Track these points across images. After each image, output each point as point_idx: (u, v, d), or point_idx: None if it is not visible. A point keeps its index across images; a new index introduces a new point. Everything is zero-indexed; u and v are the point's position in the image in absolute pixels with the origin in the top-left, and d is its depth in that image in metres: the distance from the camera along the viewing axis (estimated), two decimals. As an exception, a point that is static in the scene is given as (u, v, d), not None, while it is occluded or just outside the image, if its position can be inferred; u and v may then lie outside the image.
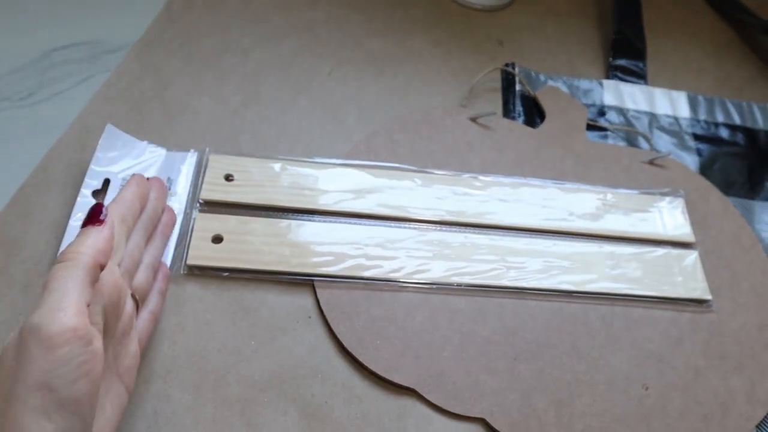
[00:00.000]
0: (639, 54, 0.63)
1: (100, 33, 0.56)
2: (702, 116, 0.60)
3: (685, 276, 0.48)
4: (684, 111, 0.60)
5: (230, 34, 0.57)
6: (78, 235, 0.32)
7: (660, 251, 0.49)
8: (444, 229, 0.48)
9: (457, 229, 0.48)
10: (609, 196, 0.51)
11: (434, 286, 0.45)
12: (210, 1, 0.60)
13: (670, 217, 0.51)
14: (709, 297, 0.47)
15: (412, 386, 0.41)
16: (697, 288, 0.48)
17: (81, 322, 0.28)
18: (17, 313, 0.40)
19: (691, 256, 0.49)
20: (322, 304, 0.43)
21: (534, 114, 0.57)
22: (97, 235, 0.32)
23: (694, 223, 0.52)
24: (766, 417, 0.44)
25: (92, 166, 0.45)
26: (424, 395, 0.41)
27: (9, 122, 0.49)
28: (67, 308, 0.28)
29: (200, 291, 0.43)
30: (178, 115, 0.51)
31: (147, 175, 0.46)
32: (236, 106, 0.52)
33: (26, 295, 0.41)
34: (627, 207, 0.51)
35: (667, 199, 0.52)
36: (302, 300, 0.43)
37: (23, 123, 0.49)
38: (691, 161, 0.57)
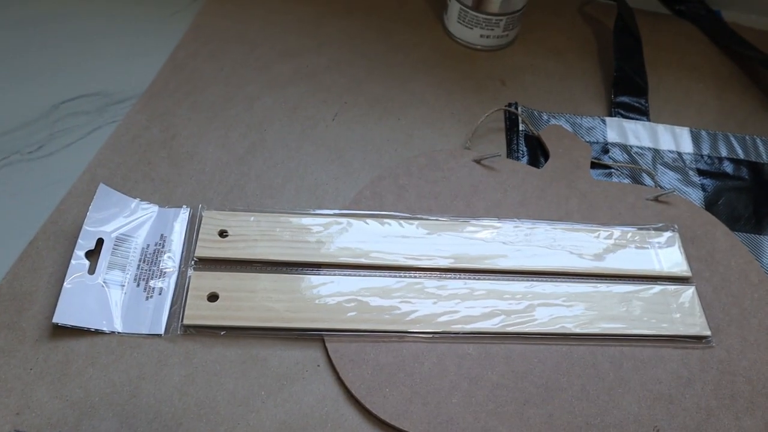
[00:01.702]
0: (640, 90, 0.63)
1: (108, 84, 0.57)
2: (705, 151, 0.60)
3: (683, 312, 0.48)
4: (687, 146, 0.60)
5: (235, 82, 0.58)
6: None
7: (657, 288, 0.49)
8: (447, 276, 0.48)
9: (459, 275, 0.48)
10: (603, 234, 0.52)
11: (440, 335, 0.45)
12: (214, 50, 0.61)
13: (665, 252, 0.51)
14: (708, 333, 0.47)
15: (421, 434, 0.41)
16: (696, 324, 0.47)
17: None
18: (29, 368, 0.40)
19: (688, 292, 0.49)
20: (330, 353, 0.43)
21: (538, 153, 0.57)
22: None
23: (701, 259, 0.52)
24: (780, 458, 0.43)
25: (85, 227, 0.45)
26: (434, 443, 0.41)
27: (20, 175, 0.50)
28: None
29: (209, 341, 0.43)
30: (185, 164, 0.52)
31: (140, 232, 0.47)
32: (242, 153, 0.53)
33: (37, 350, 0.41)
34: (622, 244, 0.51)
35: (662, 234, 0.52)
36: (311, 349, 0.44)
37: (34, 176, 0.50)
38: (697, 197, 0.57)
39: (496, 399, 0.43)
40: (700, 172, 0.58)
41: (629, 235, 0.52)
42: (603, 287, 0.49)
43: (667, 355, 0.47)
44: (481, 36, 0.65)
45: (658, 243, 0.52)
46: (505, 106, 0.60)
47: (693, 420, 0.44)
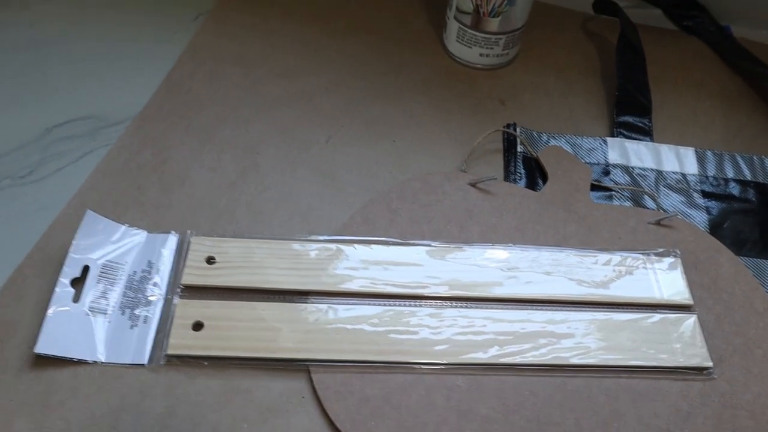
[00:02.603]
0: (644, 110, 0.62)
1: (101, 108, 0.56)
2: (711, 172, 0.58)
3: (683, 343, 0.46)
4: (692, 167, 0.58)
5: (229, 104, 0.58)
6: None
7: (657, 317, 0.48)
8: (439, 304, 0.47)
9: (452, 303, 0.47)
10: (602, 260, 0.50)
11: (428, 366, 0.44)
12: (210, 72, 0.60)
13: (665, 279, 0.50)
14: (709, 364, 0.45)
15: (406, 470, 0.40)
16: (697, 355, 0.46)
17: None
18: (9, 398, 0.40)
19: (689, 321, 0.47)
20: (315, 384, 0.42)
21: (536, 175, 0.56)
22: None
23: (704, 286, 0.50)
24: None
25: (71, 254, 0.45)
26: (420, 480, 0.40)
27: (10, 200, 0.50)
28: None
29: (193, 372, 0.42)
30: (176, 188, 0.51)
31: (127, 259, 0.46)
32: (234, 177, 0.53)
33: (19, 380, 0.41)
34: (621, 271, 0.50)
35: (663, 259, 0.51)
36: (296, 380, 0.43)
37: (24, 201, 0.50)
38: (701, 220, 0.55)
39: (486, 434, 0.42)
40: (705, 194, 0.57)
41: (629, 260, 0.50)
42: (601, 316, 0.47)
43: (666, 388, 0.45)
44: (481, 55, 0.64)
45: (660, 269, 0.50)
46: (504, 126, 0.58)
47: (692, 457, 0.42)
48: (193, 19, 0.66)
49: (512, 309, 0.47)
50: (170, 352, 0.42)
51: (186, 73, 0.60)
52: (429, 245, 0.49)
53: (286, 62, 0.63)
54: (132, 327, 0.43)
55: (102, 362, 0.42)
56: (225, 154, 0.54)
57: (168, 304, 0.45)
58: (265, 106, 0.58)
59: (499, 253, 0.49)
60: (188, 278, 0.46)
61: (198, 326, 0.44)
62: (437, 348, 0.44)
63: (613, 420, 0.43)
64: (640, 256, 0.51)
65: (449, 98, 0.62)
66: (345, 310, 0.45)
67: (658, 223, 0.53)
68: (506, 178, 0.56)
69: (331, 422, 0.41)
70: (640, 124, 0.61)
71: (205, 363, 0.43)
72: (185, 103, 0.57)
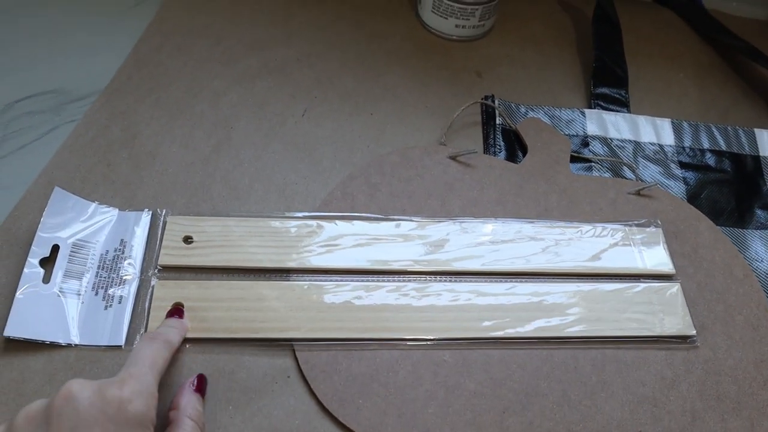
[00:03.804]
0: (620, 81, 0.61)
1: (64, 82, 0.54)
2: (687, 143, 0.58)
3: (667, 311, 0.46)
4: (669, 138, 0.58)
5: (200, 77, 0.56)
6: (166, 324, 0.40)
7: (641, 286, 0.48)
8: (424, 279, 0.46)
9: (436, 278, 0.46)
10: (584, 231, 0.50)
11: (416, 342, 0.43)
12: (179, 45, 0.58)
13: (648, 249, 0.50)
14: (693, 332, 0.46)
15: (396, 446, 0.39)
16: (680, 323, 0.46)
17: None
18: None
19: (672, 290, 0.48)
20: (300, 364, 0.41)
21: (516, 148, 0.56)
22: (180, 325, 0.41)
23: (685, 255, 0.50)
24: (767, 461, 0.42)
25: (39, 233, 0.43)
26: (410, 456, 0.39)
27: (-29, 180, 0.47)
28: (154, 396, 0.34)
29: (174, 354, 0.41)
30: (148, 165, 0.49)
31: (98, 237, 0.45)
32: (207, 153, 0.51)
33: (-19, 366, 0.39)
34: (603, 242, 0.50)
35: (645, 230, 0.51)
36: (280, 359, 0.42)
37: (-14, 180, 0.47)
38: (679, 190, 0.55)
39: (474, 408, 0.41)
40: (682, 165, 0.57)
41: (612, 232, 0.50)
42: (585, 287, 0.47)
43: (650, 357, 0.45)
44: (457, 26, 0.62)
45: (642, 240, 0.50)
46: (482, 98, 0.58)
47: (678, 423, 0.42)
48: (156, -10, 0.63)
49: (497, 282, 0.46)
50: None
51: (153, 46, 0.58)
52: (410, 220, 0.48)
53: (255, 33, 0.61)
54: (107, 308, 0.42)
55: (76, 344, 0.40)
56: (197, 129, 0.52)
57: (144, 283, 0.43)
58: (237, 78, 0.56)
59: (482, 227, 0.49)
60: (166, 259, 0.44)
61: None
62: (423, 324, 0.43)
63: (600, 390, 0.43)
64: (623, 227, 0.51)
65: (425, 70, 0.61)
66: (328, 287, 0.44)
67: (638, 193, 0.53)
68: (486, 150, 0.55)
69: (318, 401, 0.40)
70: (617, 96, 0.61)
71: (187, 345, 0.41)
72: (153, 76, 0.55)
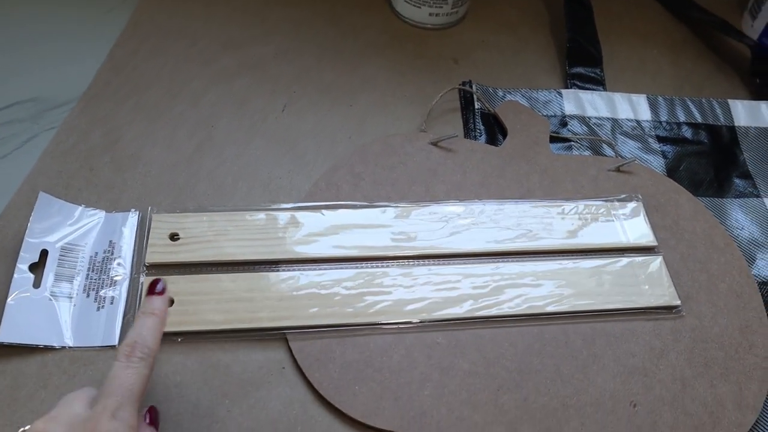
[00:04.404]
0: (595, 60, 0.62)
1: (42, 90, 0.54)
2: (664, 117, 0.59)
3: (651, 283, 0.47)
4: (645, 114, 0.59)
5: (179, 78, 0.56)
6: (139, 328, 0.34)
7: (624, 261, 0.48)
8: (410, 263, 0.46)
9: (423, 262, 0.47)
10: (567, 209, 0.51)
11: (408, 325, 0.43)
12: (154, 47, 0.58)
13: (629, 223, 0.50)
14: (677, 302, 0.46)
15: (394, 429, 0.39)
16: (665, 294, 0.47)
17: None
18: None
19: (656, 262, 0.48)
20: (295, 354, 0.41)
21: (496, 131, 0.56)
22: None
23: (666, 227, 0.51)
24: (757, 422, 0.43)
25: (27, 239, 0.43)
26: (408, 438, 0.39)
27: (-46, 192, 0.47)
28: (133, 428, 0.31)
29: (168, 350, 0.41)
30: (131, 168, 0.49)
31: (86, 240, 0.45)
32: (190, 153, 0.51)
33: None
34: (587, 218, 0.50)
35: (626, 205, 0.51)
36: (274, 351, 0.42)
37: (-31, 191, 0.47)
38: (658, 164, 0.56)
39: (469, 387, 0.42)
40: (660, 139, 0.58)
41: (593, 208, 0.51)
42: (570, 264, 0.48)
43: (639, 328, 0.46)
44: (430, 14, 0.63)
45: (623, 215, 0.51)
46: (459, 84, 0.58)
47: (669, 391, 0.43)
48: (129, -6, 0.63)
49: (483, 263, 0.47)
50: None
51: (129, 50, 0.58)
52: (396, 206, 0.49)
53: (230, 32, 0.61)
54: (99, 309, 0.42)
55: (70, 347, 0.40)
56: (178, 130, 0.52)
57: (134, 283, 0.43)
58: (215, 78, 0.56)
59: (466, 209, 0.49)
60: (153, 256, 0.44)
61: (169, 303, 0.42)
62: (413, 306, 0.44)
63: (592, 363, 0.44)
64: (604, 203, 0.51)
65: (402, 60, 0.61)
66: (317, 276, 0.45)
67: (617, 169, 0.54)
68: (466, 135, 0.56)
69: (314, 390, 0.41)
70: (593, 74, 0.61)
71: (179, 339, 0.41)
72: (131, 80, 0.55)
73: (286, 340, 0.42)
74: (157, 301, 0.36)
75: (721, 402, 0.43)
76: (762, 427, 0.43)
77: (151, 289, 0.36)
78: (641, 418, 0.42)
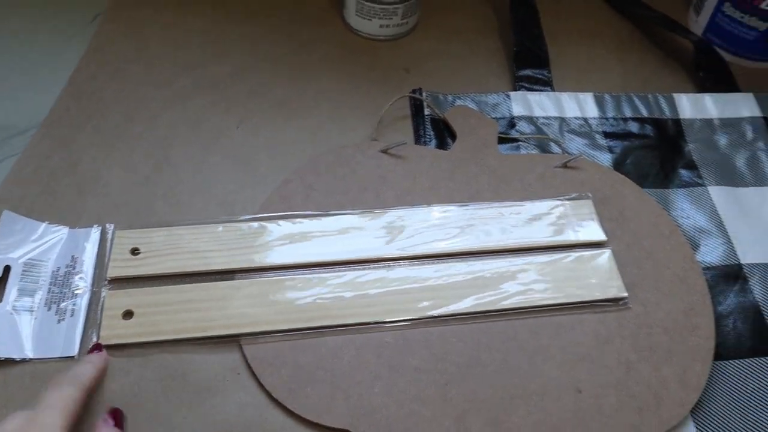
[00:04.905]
0: (542, 61, 0.64)
1: (3, 118, 0.56)
2: (610, 114, 0.61)
3: (599, 277, 0.49)
4: (592, 111, 0.61)
5: (136, 101, 0.58)
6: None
7: (573, 256, 0.50)
8: (361, 267, 0.48)
9: (373, 266, 0.48)
10: (517, 209, 0.52)
11: (355, 327, 0.45)
12: (113, 72, 0.60)
13: (579, 220, 0.52)
14: (624, 294, 0.48)
15: (345, 427, 0.41)
16: (613, 287, 0.49)
17: None
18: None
19: (604, 256, 0.50)
20: (248, 359, 0.43)
21: (446, 136, 0.58)
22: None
23: (612, 219, 0.53)
24: (700, 400, 0.45)
25: None
26: (359, 434, 0.41)
27: None
28: None
29: (125, 364, 0.43)
30: (91, 189, 0.51)
31: (49, 255, 0.47)
32: (148, 172, 0.53)
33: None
34: (536, 217, 0.52)
35: (577, 203, 0.53)
36: (229, 357, 0.44)
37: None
38: (605, 159, 0.58)
39: (418, 384, 0.43)
40: (607, 135, 0.60)
41: (544, 207, 0.53)
42: (519, 261, 0.49)
43: (585, 318, 0.47)
44: (381, 26, 0.65)
45: (574, 213, 0.53)
46: (409, 92, 0.60)
47: (614, 375, 0.45)
48: (90, 21, 0.65)
49: (433, 264, 0.49)
50: (103, 342, 0.43)
51: (89, 75, 0.60)
52: (348, 213, 0.50)
53: (188, 54, 0.63)
54: (59, 321, 0.44)
55: (31, 359, 0.42)
56: (136, 151, 0.54)
57: (95, 296, 0.45)
58: (172, 100, 0.58)
59: (416, 213, 0.51)
60: (114, 271, 0.46)
61: (128, 315, 0.44)
62: (364, 309, 0.46)
63: (538, 353, 0.45)
64: (555, 201, 0.53)
65: (355, 72, 0.63)
66: (270, 284, 0.46)
67: (564, 165, 0.56)
68: (417, 141, 0.57)
69: (268, 394, 0.42)
70: (540, 76, 0.63)
71: (138, 349, 0.43)
72: (91, 104, 0.57)
73: (241, 346, 0.44)
74: (95, 356, 0.42)
75: (665, 383, 0.45)
76: (706, 405, 0.45)
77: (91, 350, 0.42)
78: (586, 402, 0.44)
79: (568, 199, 0.53)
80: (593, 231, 0.52)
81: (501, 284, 0.48)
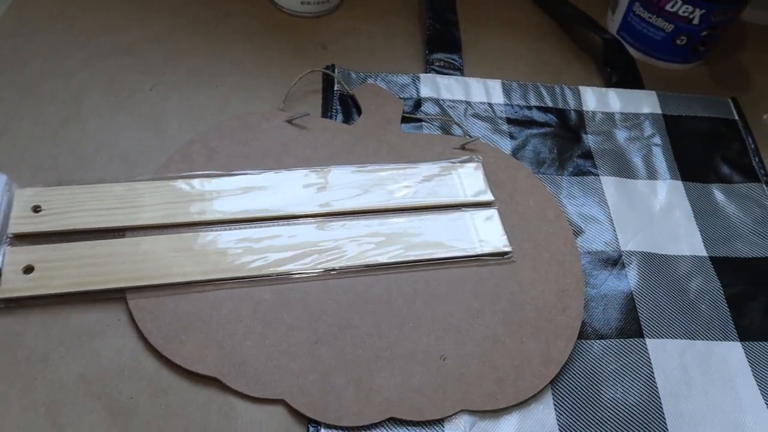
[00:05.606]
0: (454, 47, 0.67)
1: None
2: (516, 101, 0.64)
3: (485, 233, 0.52)
4: (498, 98, 0.64)
5: (53, 58, 0.59)
6: None
7: (459, 213, 0.53)
8: (250, 225, 0.51)
9: (261, 224, 0.51)
10: (409, 171, 0.55)
11: (238, 281, 0.47)
12: (33, 30, 0.61)
13: (469, 180, 0.55)
14: (508, 249, 0.51)
15: (214, 375, 0.43)
16: (497, 241, 0.52)
17: None
18: None
19: (490, 213, 0.53)
20: (131, 308, 0.45)
21: (352, 112, 0.60)
22: None
23: (502, 201, 0.55)
24: (559, 374, 0.48)
25: None
26: (227, 383, 0.43)
27: None
28: None
29: (22, 312, 0.45)
30: (-4, 140, 0.53)
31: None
32: (56, 127, 0.54)
33: None
34: (427, 177, 0.55)
35: (466, 165, 0.56)
36: (113, 307, 0.46)
37: None
38: (505, 144, 0.60)
39: (289, 340, 0.46)
40: (509, 121, 0.62)
41: (435, 168, 0.56)
42: (410, 219, 0.52)
43: (460, 289, 0.50)
44: (302, 3, 0.67)
45: (463, 174, 0.56)
46: (323, 68, 0.62)
47: (480, 347, 0.47)
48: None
49: (328, 221, 0.52)
50: (2, 296, 0.44)
51: (9, 32, 0.61)
52: (246, 174, 0.53)
53: (109, 15, 0.64)
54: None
55: None
56: (48, 107, 0.56)
57: (-4, 249, 0.47)
58: (89, 59, 0.60)
59: (313, 175, 0.54)
60: (15, 227, 0.48)
61: (29, 270, 0.46)
62: (247, 265, 0.48)
63: (409, 321, 0.48)
64: (446, 163, 0.56)
65: (272, 45, 0.65)
66: (164, 241, 0.48)
67: (462, 147, 0.58)
68: (324, 115, 0.60)
69: (145, 340, 0.44)
70: (451, 61, 0.66)
71: (38, 302, 0.45)
72: (7, 60, 0.58)
73: (126, 299, 0.46)
74: None
75: (527, 357, 0.48)
76: (566, 380, 0.48)
77: None
78: (449, 369, 0.46)
79: (459, 161, 0.56)
80: (481, 190, 0.55)
81: (390, 244, 0.51)
